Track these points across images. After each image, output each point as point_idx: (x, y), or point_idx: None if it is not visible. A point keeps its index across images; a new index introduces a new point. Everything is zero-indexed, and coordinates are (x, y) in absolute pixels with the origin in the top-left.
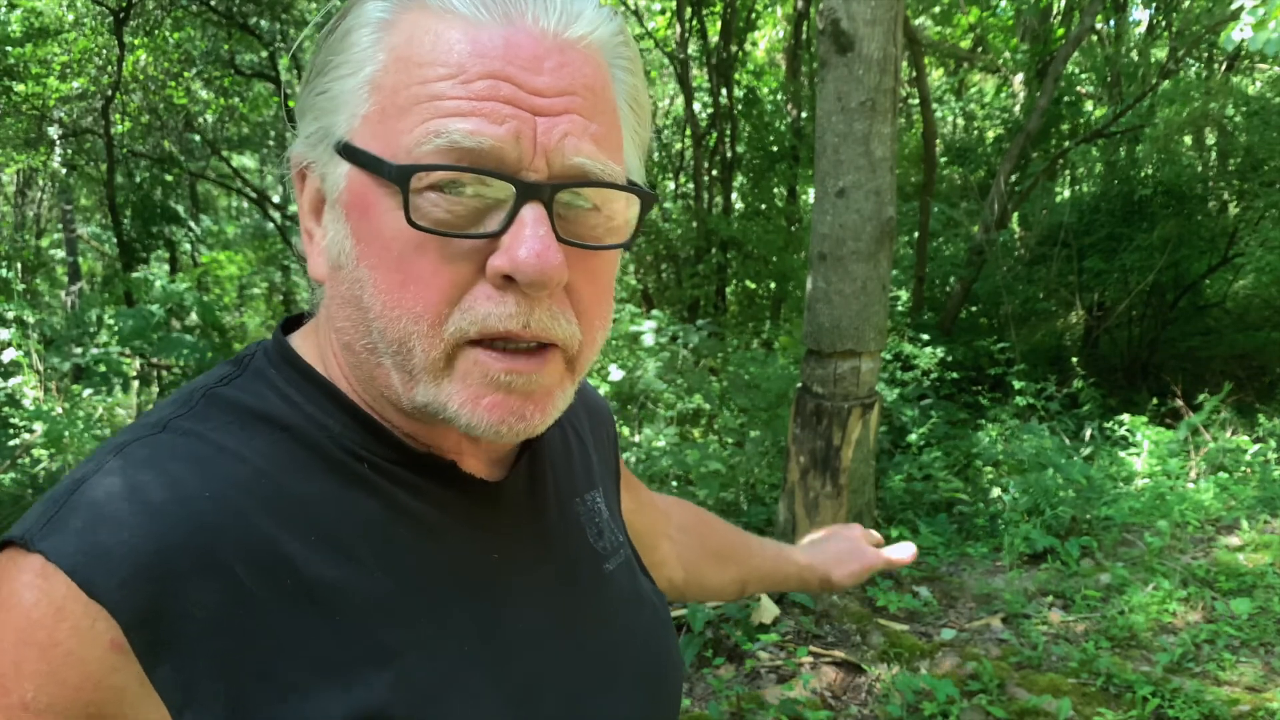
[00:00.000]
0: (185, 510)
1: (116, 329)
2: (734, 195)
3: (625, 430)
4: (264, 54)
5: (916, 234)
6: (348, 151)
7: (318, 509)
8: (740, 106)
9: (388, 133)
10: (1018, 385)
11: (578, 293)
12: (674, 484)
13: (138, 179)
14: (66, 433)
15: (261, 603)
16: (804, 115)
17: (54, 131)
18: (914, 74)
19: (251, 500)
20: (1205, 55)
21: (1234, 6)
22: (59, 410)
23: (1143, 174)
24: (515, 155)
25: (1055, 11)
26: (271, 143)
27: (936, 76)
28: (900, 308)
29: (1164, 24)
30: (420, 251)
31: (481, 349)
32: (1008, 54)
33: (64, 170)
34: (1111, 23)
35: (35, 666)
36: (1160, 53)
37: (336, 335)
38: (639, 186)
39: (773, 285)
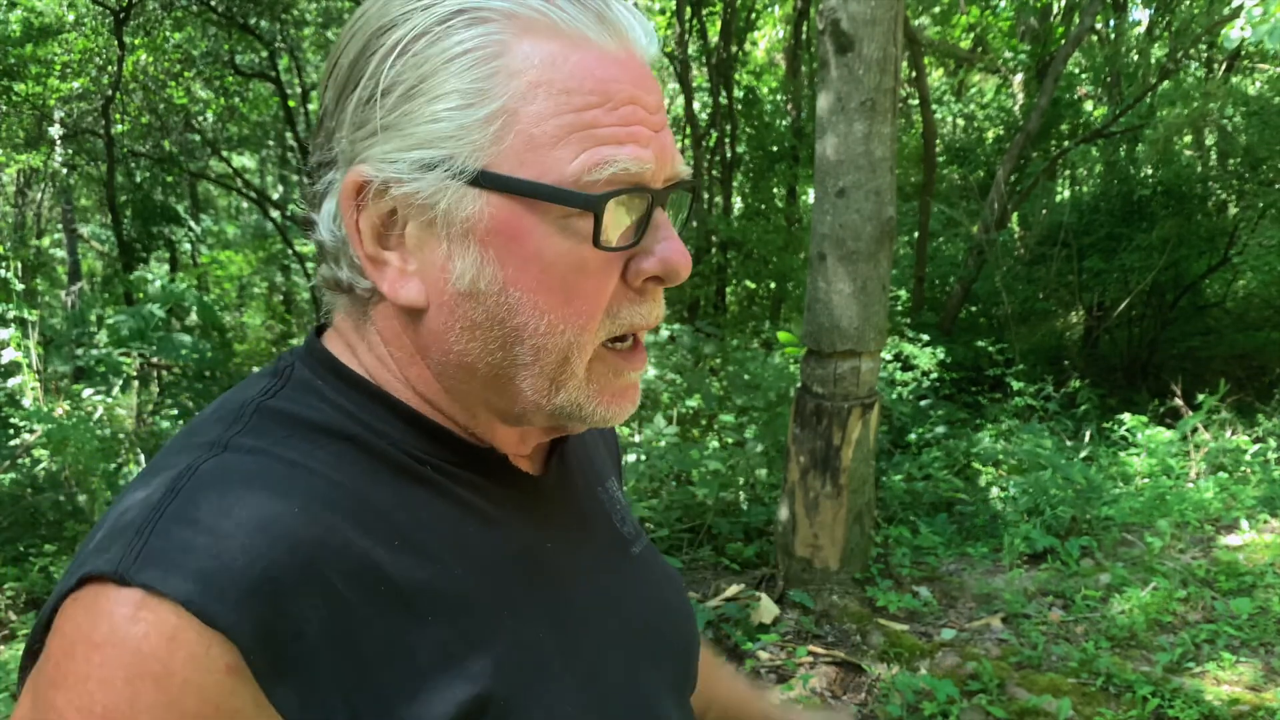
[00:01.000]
0: (280, 529)
1: (116, 328)
2: (734, 195)
3: (625, 430)
4: (264, 54)
5: (916, 234)
6: (491, 180)
7: (395, 514)
8: (740, 106)
9: (543, 161)
10: (1016, 386)
11: None
12: (674, 484)
13: (138, 179)
14: (69, 435)
15: (362, 611)
16: (804, 115)
17: (54, 131)
18: (914, 74)
19: (335, 512)
20: (1205, 55)
21: (1234, 4)
22: (60, 411)
23: (1142, 174)
24: (655, 172)
25: (1055, 11)
26: (272, 143)
27: (936, 77)
28: (900, 308)
29: (1164, 24)
30: (581, 271)
31: (611, 352)
32: (1008, 54)
33: (64, 170)
34: (1111, 23)
35: (152, 699)
36: (1160, 53)
37: (450, 358)
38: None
39: (773, 285)
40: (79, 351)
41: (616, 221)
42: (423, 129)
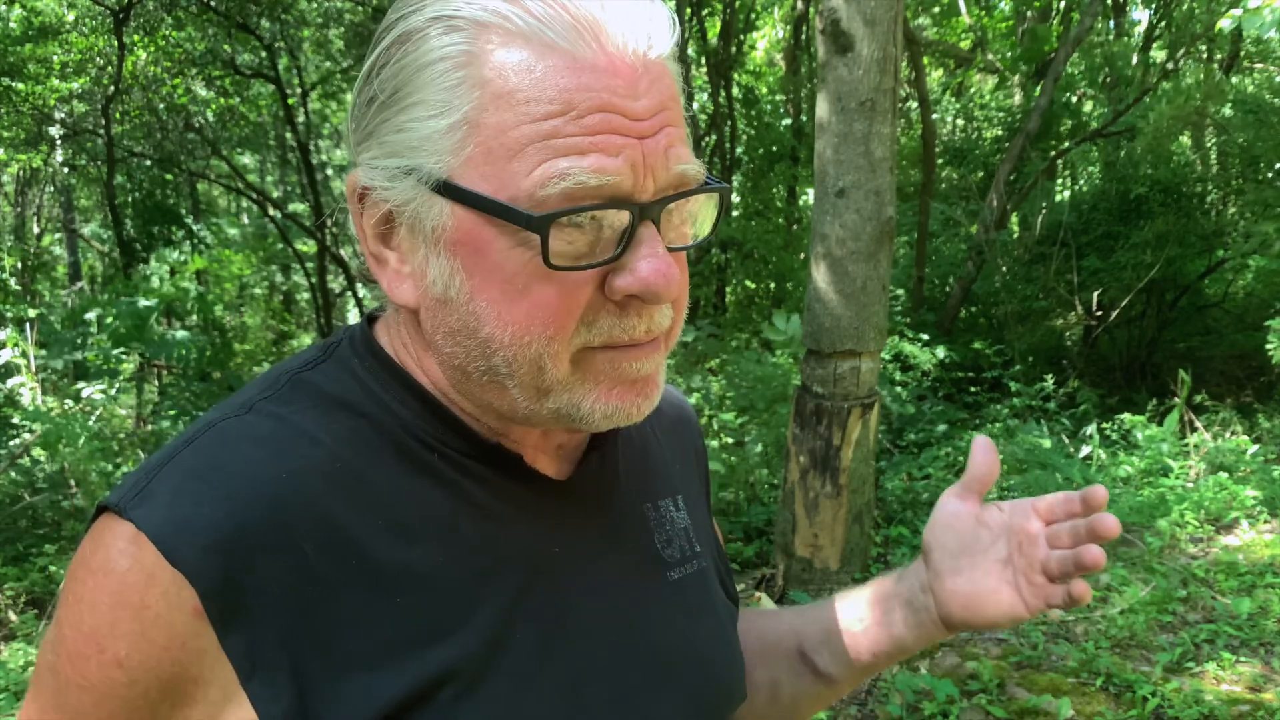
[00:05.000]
0: (263, 489)
1: (112, 323)
2: (734, 195)
3: None
4: (264, 54)
5: (916, 234)
6: (452, 191)
7: (387, 494)
8: (740, 107)
9: (501, 174)
10: (1014, 388)
11: None
12: None
13: (139, 178)
14: (64, 434)
15: (328, 581)
16: (804, 115)
17: (54, 131)
18: (913, 74)
19: (325, 483)
20: (1204, 55)
21: None
22: (62, 408)
23: (1140, 172)
24: (630, 182)
25: (1054, 11)
26: (272, 143)
27: (936, 77)
28: (900, 308)
29: (1164, 25)
30: (545, 283)
31: (604, 350)
32: (1006, 54)
33: (64, 170)
34: (1111, 23)
35: (129, 627)
36: (1159, 53)
37: (445, 358)
38: (720, 184)
39: (772, 285)
40: (76, 352)
41: (580, 237)
42: (395, 138)
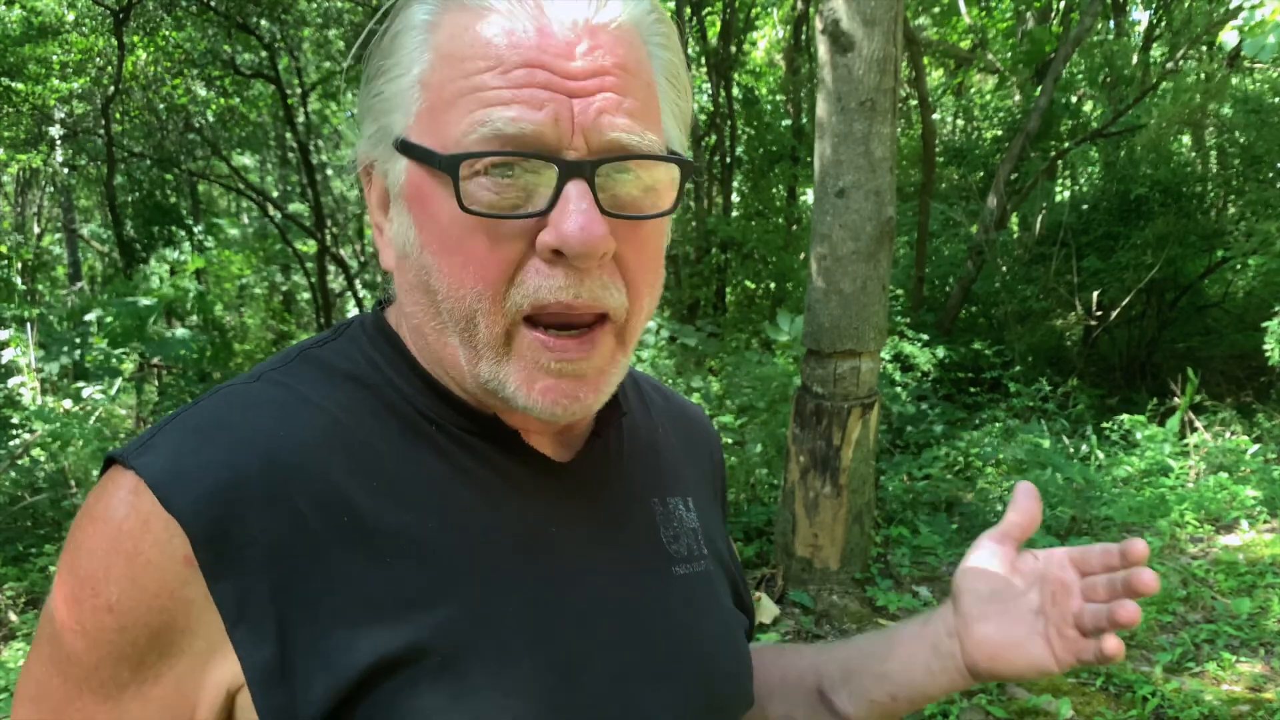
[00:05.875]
0: (261, 446)
1: (112, 323)
2: (734, 195)
3: None
4: (264, 54)
5: (916, 234)
6: (405, 147)
7: (386, 461)
8: (739, 107)
9: (438, 126)
10: (1014, 388)
11: (626, 262)
12: None
13: (138, 178)
14: (75, 432)
15: (320, 538)
16: (804, 116)
17: (54, 131)
18: (913, 74)
19: (324, 446)
20: (1205, 55)
21: (1233, 5)
22: (64, 406)
23: (1141, 172)
24: (555, 136)
25: (1054, 11)
26: (272, 143)
27: (936, 77)
28: (900, 308)
29: (1164, 25)
30: (475, 233)
31: (536, 331)
32: (1006, 55)
33: (64, 170)
34: (1111, 23)
35: (121, 572)
36: (1159, 53)
37: (407, 320)
38: (676, 154)
39: (772, 285)
40: (76, 352)
41: (508, 190)
42: (372, 103)
